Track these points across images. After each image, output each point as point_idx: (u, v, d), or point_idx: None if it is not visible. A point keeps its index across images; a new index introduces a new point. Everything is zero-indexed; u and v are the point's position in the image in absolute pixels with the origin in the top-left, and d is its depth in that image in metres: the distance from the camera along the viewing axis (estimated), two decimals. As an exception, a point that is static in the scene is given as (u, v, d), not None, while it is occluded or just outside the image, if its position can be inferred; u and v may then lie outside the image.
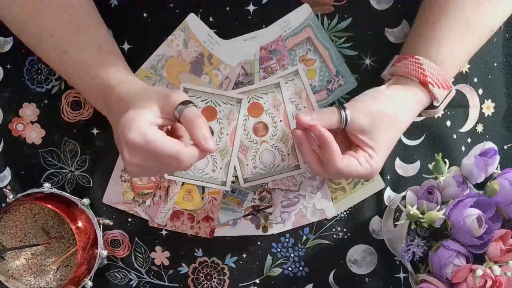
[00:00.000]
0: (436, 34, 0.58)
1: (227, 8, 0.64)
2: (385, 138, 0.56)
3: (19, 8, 0.57)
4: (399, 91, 0.58)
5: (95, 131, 0.66)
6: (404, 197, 0.63)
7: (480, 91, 0.68)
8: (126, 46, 0.64)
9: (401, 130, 0.58)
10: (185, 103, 0.53)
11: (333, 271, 0.68)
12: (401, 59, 0.59)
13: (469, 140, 0.69)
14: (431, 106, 0.59)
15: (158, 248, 0.68)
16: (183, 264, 0.68)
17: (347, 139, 0.58)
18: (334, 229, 0.67)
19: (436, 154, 0.61)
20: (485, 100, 0.69)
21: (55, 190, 0.64)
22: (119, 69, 0.58)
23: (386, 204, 0.68)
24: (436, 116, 0.67)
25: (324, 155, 0.54)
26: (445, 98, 0.59)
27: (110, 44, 0.60)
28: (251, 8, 0.64)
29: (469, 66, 0.67)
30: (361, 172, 0.55)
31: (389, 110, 0.56)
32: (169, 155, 0.50)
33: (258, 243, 0.67)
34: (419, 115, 0.61)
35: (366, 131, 0.55)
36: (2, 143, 0.66)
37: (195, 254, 0.68)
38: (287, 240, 0.67)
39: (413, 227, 0.59)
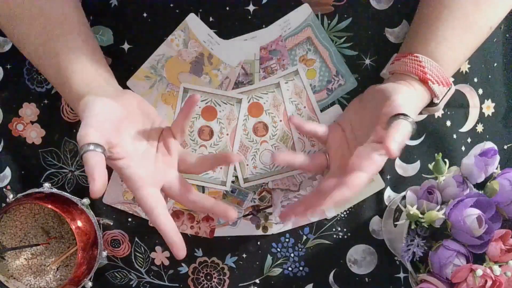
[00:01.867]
0: (434, 32, 0.58)
1: (227, 8, 0.64)
2: None
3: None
4: (401, 87, 0.57)
5: (95, 131, 0.66)
6: (404, 197, 0.63)
7: (480, 91, 0.68)
8: (126, 46, 0.64)
9: None
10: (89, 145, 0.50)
11: (333, 271, 0.68)
12: (400, 57, 0.59)
13: (469, 140, 0.69)
14: (431, 104, 0.59)
15: (158, 248, 0.68)
16: (183, 264, 0.68)
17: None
18: (334, 229, 0.68)
19: (436, 154, 0.61)
20: (485, 100, 0.69)
21: (55, 190, 0.64)
22: (79, 83, 0.56)
23: (386, 204, 0.68)
24: (436, 116, 0.67)
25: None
26: (444, 95, 0.59)
27: (72, 53, 0.57)
28: (251, 8, 0.64)
29: (469, 66, 0.67)
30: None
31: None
32: None
33: (258, 243, 0.67)
34: (420, 113, 0.61)
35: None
36: (2, 143, 0.66)
37: (195, 254, 0.68)
38: (287, 240, 0.67)
39: (413, 227, 0.59)
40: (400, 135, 0.50)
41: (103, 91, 0.56)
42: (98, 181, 0.48)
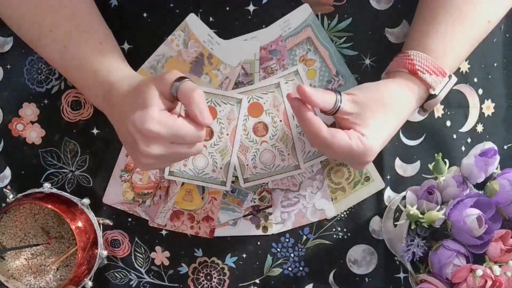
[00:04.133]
0: (427, 27, 0.59)
1: (227, 8, 0.64)
2: (375, 119, 0.56)
3: (19, 2, 0.57)
4: (388, 81, 0.59)
5: (95, 131, 0.66)
6: (404, 197, 0.63)
7: (480, 91, 0.68)
8: (126, 46, 0.64)
9: (395, 115, 0.57)
10: (180, 79, 0.53)
11: (333, 271, 0.68)
12: (393, 59, 0.61)
13: (469, 140, 0.69)
14: (431, 97, 0.59)
15: (158, 248, 0.68)
16: (183, 264, 0.68)
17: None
18: (334, 229, 0.67)
19: (436, 154, 0.61)
20: (485, 100, 0.69)
21: (55, 190, 0.64)
22: (119, 64, 0.58)
23: (386, 204, 0.68)
24: (436, 116, 0.67)
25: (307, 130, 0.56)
26: (445, 85, 0.58)
27: (110, 40, 0.60)
28: (251, 8, 0.64)
29: (469, 66, 0.67)
30: (353, 146, 0.54)
31: (377, 94, 0.57)
32: (192, 134, 0.52)
33: (258, 243, 0.67)
34: (424, 111, 0.61)
35: (353, 114, 0.55)
36: (2, 143, 0.66)
37: (195, 254, 0.68)
38: (287, 240, 0.67)
39: (413, 227, 0.59)
40: (319, 95, 0.54)
41: (130, 78, 0.57)
42: (205, 111, 0.51)
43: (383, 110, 0.56)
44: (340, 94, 0.56)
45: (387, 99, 0.57)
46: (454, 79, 0.59)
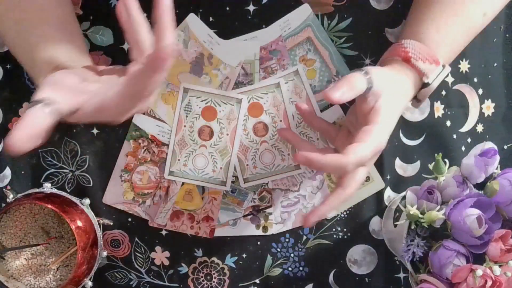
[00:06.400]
0: (421, 19, 0.59)
1: (227, 8, 0.64)
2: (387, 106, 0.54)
3: None
4: (385, 68, 0.58)
5: (95, 131, 0.66)
6: (404, 197, 0.63)
7: (480, 91, 0.68)
8: (126, 46, 0.64)
9: (397, 101, 0.56)
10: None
11: (333, 271, 0.68)
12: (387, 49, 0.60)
13: (469, 140, 0.69)
14: (424, 85, 0.58)
15: (158, 248, 0.68)
16: (183, 264, 0.68)
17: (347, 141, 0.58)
18: (334, 229, 0.68)
19: (436, 154, 0.61)
20: (485, 100, 0.69)
21: (55, 190, 0.64)
22: (68, 53, 0.55)
23: (386, 204, 0.68)
24: (436, 116, 0.67)
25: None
26: (439, 74, 0.57)
27: (72, 23, 0.58)
28: (251, 8, 0.64)
29: (469, 66, 0.67)
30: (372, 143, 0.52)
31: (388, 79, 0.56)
32: None
33: (258, 243, 0.67)
34: (418, 101, 0.60)
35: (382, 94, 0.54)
36: (2, 143, 0.66)
37: (195, 254, 0.68)
38: (287, 240, 0.67)
39: (413, 227, 0.59)
40: (345, 83, 0.51)
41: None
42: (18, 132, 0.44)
43: (393, 97, 0.54)
44: (367, 73, 0.54)
45: (393, 85, 0.55)
46: (448, 69, 0.58)
